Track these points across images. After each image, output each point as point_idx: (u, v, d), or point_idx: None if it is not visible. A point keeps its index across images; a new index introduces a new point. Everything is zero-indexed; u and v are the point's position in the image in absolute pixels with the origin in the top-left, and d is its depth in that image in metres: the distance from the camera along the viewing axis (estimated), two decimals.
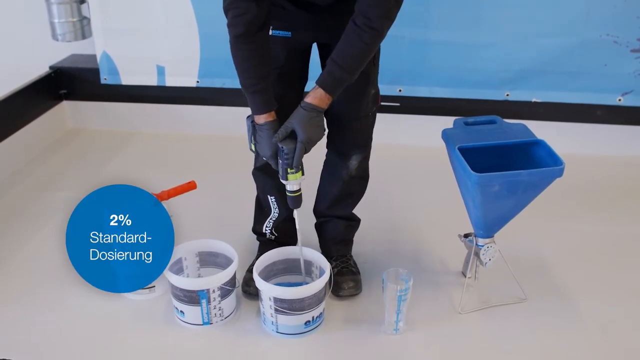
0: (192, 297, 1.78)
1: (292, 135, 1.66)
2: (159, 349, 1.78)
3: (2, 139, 2.77)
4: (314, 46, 1.86)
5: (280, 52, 1.77)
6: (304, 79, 1.90)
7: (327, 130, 1.82)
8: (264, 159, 1.75)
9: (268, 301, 1.77)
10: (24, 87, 2.97)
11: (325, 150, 1.98)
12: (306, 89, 1.80)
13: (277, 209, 2.00)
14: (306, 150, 1.66)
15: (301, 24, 1.75)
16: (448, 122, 1.94)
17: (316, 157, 1.85)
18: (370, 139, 1.95)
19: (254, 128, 1.73)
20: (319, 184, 2.05)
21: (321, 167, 2.03)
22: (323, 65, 1.82)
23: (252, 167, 2.00)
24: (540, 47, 2.75)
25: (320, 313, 1.83)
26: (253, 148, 1.77)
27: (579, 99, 2.84)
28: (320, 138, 1.67)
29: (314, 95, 1.64)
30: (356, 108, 1.85)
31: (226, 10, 1.61)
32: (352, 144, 1.92)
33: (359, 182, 2.01)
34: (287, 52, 1.79)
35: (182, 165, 2.89)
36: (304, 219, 2.10)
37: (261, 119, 1.70)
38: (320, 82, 1.64)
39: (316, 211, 2.09)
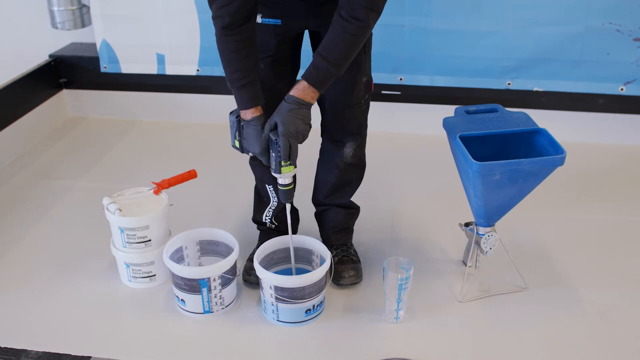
0: (192, 286, 1.79)
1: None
2: (159, 337, 1.78)
3: (3, 127, 2.77)
4: (306, 34, 1.85)
5: (271, 39, 1.76)
6: (296, 67, 1.89)
7: (318, 120, 1.79)
8: (251, 154, 1.73)
9: (269, 290, 1.77)
10: (23, 75, 2.96)
11: (320, 139, 1.97)
12: (298, 77, 1.79)
13: (275, 198, 2.00)
14: (291, 144, 1.61)
15: (291, 12, 1.73)
16: (449, 110, 1.93)
17: (311, 147, 1.84)
18: (365, 126, 1.94)
19: (238, 124, 1.70)
20: (316, 172, 2.04)
21: (316, 157, 2.02)
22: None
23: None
24: (542, 35, 2.74)
25: (321, 301, 1.83)
26: (237, 145, 1.73)
27: (581, 88, 2.83)
28: (304, 132, 1.63)
29: (298, 88, 1.62)
30: (348, 96, 1.83)
31: (211, 2, 1.58)
32: (345, 131, 1.91)
33: (355, 170, 2.00)
34: (278, 40, 1.77)
35: (183, 154, 2.89)
36: (304, 207, 2.12)
37: (248, 114, 1.68)
38: (305, 76, 1.62)
39: (315, 200, 2.08)
